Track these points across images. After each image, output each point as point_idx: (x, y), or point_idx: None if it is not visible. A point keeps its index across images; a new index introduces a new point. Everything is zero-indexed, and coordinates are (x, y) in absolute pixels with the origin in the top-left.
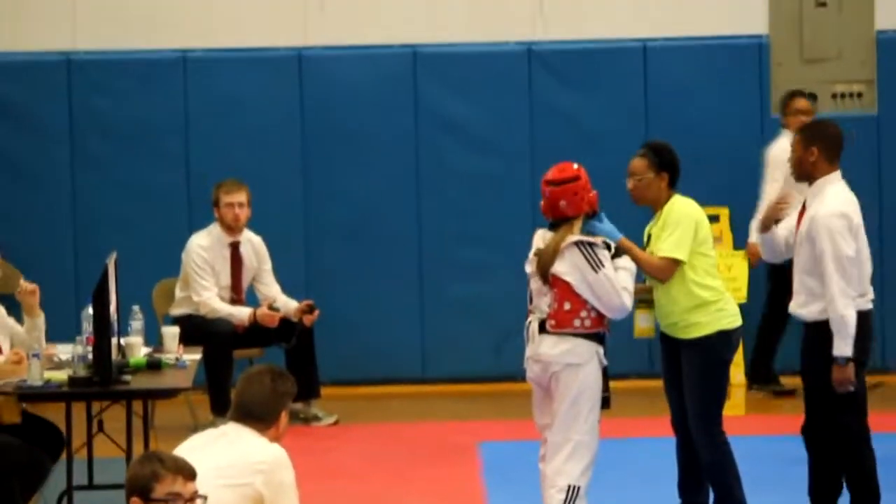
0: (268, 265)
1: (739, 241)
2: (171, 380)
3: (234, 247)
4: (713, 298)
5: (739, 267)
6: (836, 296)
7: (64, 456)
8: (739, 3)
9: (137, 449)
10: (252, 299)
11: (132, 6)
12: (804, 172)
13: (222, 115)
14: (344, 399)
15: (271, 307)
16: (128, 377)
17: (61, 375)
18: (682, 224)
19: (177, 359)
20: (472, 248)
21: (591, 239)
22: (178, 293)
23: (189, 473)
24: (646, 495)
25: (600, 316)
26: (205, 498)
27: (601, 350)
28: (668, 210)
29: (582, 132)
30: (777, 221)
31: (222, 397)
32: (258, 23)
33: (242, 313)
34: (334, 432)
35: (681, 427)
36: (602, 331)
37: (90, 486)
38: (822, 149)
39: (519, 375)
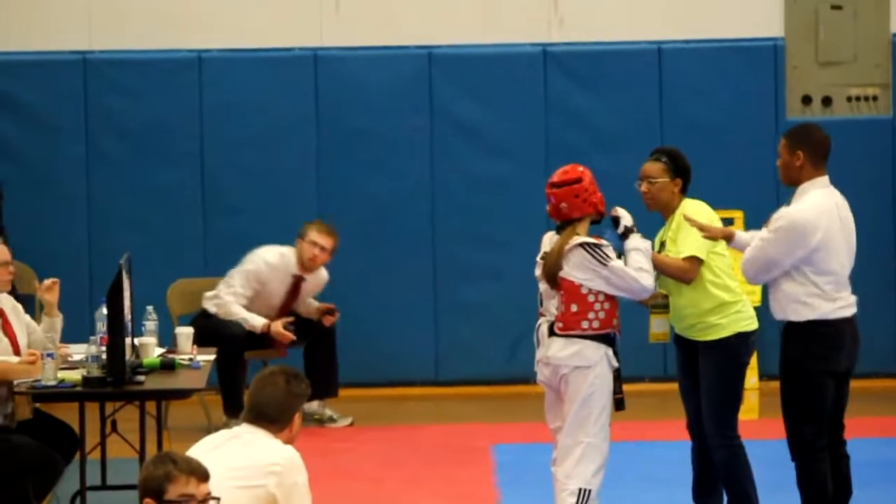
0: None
1: None
2: (184, 380)
3: (298, 280)
4: (732, 300)
5: None
6: (746, 263)
7: (77, 456)
8: (755, 6)
9: (151, 449)
10: None
11: (148, 6)
12: (791, 176)
13: (237, 115)
14: (358, 401)
15: (286, 327)
16: (141, 377)
17: (75, 375)
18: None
19: (190, 359)
20: (487, 251)
21: (595, 240)
22: (221, 286)
23: (202, 475)
24: (659, 498)
25: (609, 317)
26: (218, 499)
27: (610, 351)
28: (681, 213)
29: (597, 134)
30: None
31: (235, 399)
32: (273, 23)
33: (257, 322)
34: (349, 434)
35: (697, 431)
36: (611, 332)
37: (103, 486)
38: (807, 153)
39: (532, 378)
